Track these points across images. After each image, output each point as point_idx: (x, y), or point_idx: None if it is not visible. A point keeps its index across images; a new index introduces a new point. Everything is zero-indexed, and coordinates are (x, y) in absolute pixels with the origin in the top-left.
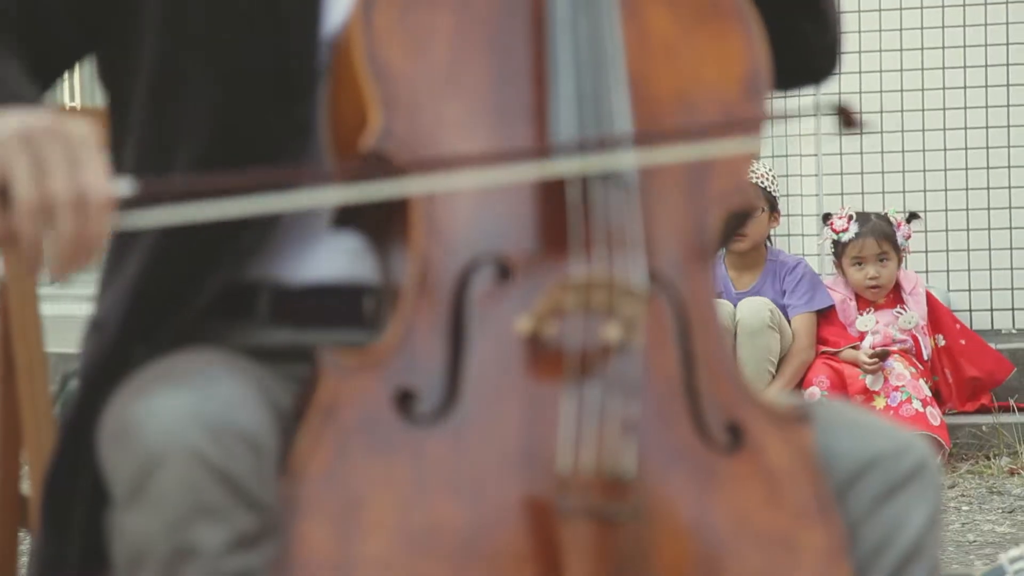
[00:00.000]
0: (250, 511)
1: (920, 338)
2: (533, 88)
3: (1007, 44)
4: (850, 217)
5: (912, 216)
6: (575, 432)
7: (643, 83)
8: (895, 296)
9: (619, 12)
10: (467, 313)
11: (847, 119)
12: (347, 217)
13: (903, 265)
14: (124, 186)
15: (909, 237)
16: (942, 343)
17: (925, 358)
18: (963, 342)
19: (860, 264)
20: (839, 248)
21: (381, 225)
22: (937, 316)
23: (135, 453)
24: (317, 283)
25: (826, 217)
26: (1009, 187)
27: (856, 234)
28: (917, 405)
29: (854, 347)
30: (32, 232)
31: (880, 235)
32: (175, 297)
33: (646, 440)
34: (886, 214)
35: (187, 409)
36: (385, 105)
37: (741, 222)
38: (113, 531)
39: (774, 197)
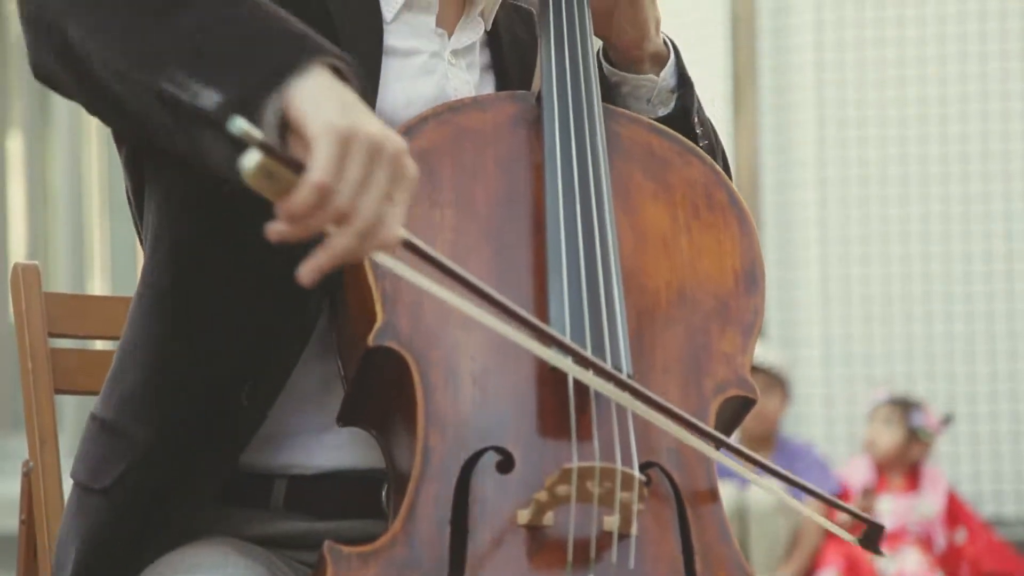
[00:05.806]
0: None
1: (935, 530)
2: (534, 284)
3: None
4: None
5: (947, 418)
6: None
7: (639, 276)
8: (914, 483)
9: (615, 211)
10: (469, 503)
11: (873, 539)
12: (352, 414)
13: (928, 456)
14: (404, 235)
15: (935, 429)
16: (962, 539)
17: (937, 550)
18: (982, 539)
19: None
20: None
21: (386, 419)
22: (958, 512)
23: None
24: (333, 470)
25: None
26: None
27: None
28: None
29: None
30: (319, 222)
31: (895, 403)
32: (183, 485)
33: None
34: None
35: None
36: (387, 302)
37: (742, 411)
38: None
39: (785, 379)
